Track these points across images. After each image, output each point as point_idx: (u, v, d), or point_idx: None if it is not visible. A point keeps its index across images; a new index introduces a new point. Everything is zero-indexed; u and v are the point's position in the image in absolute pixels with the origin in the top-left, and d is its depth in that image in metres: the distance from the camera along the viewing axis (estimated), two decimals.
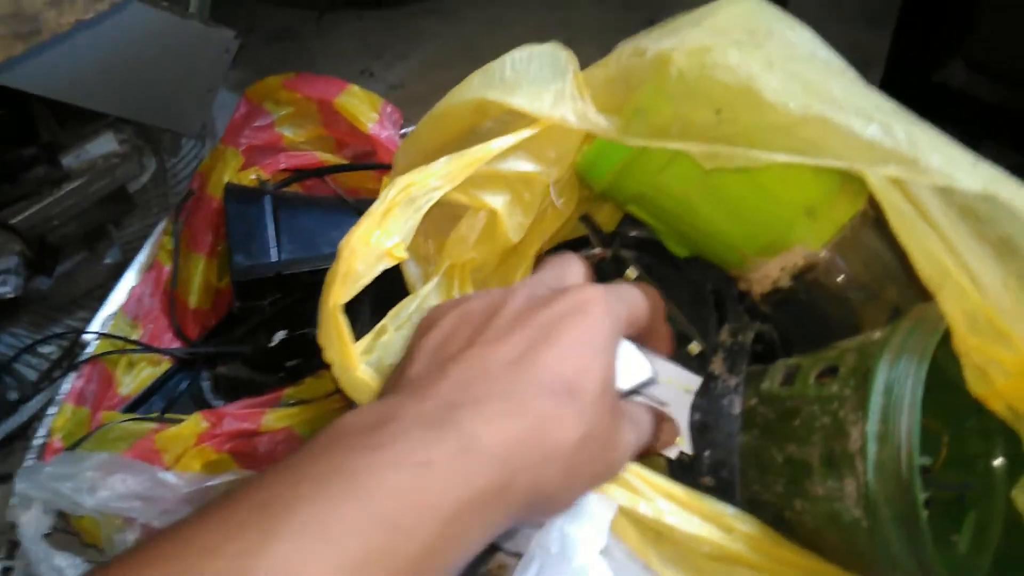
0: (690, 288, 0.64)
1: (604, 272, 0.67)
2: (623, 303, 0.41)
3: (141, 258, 0.80)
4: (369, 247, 0.52)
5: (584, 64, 1.13)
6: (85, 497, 0.57)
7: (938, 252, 0.46)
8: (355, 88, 0.78)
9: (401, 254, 0.53)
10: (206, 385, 0.74)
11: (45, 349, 0.87)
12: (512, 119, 0.57)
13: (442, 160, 0.53)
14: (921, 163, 0.42)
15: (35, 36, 0.47)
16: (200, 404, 0.72)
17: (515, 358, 0.36)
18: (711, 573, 0.48)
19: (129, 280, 0.79)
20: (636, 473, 0.48)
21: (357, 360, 0.50)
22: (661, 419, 0.46)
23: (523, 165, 0.58)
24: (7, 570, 0.60)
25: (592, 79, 0.55)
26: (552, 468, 0.35)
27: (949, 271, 0.45)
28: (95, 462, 0.59)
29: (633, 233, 0.65)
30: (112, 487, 0.57)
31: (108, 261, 0.88)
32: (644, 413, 0.44)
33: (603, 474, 0.41)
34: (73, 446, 0.63)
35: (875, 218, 0.57)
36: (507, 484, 0.33)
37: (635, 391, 0.45)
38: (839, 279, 0.58)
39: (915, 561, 0.42)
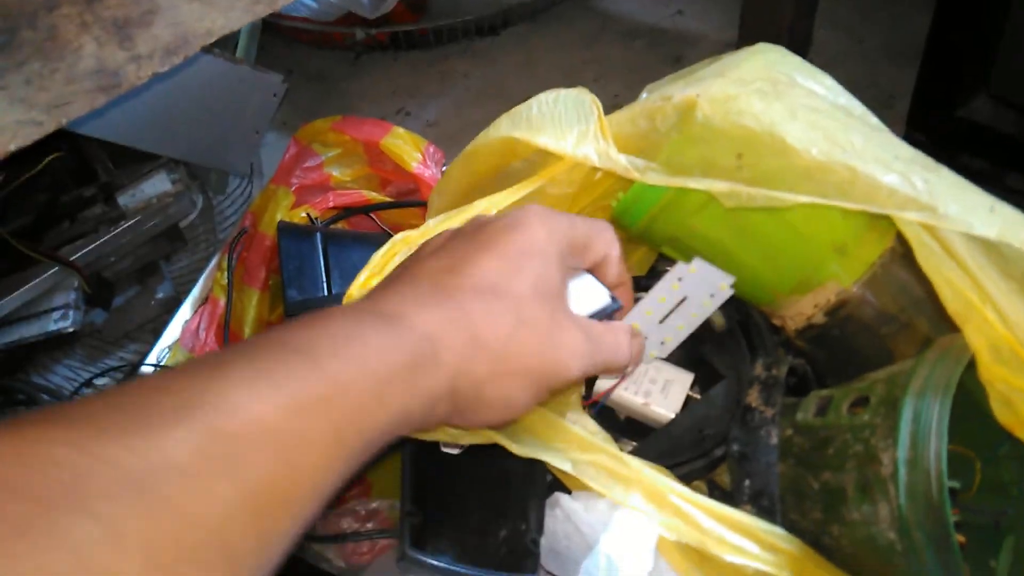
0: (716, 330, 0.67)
1: None
2: (566, 223, 0.45)
3: (195, 293, 0.84)
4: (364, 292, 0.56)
5: (612, 100, 1.17)
6: None
7: (963, 287, 0.49)
8: (399, 130, 0.82)
9: None
10: None
11: (100, 381, 0.91)
12: (539, 160, 0.61)
13: (439, 217, 0.57)
14: (939, 211, 0.45)
15: (116, 89, 0.51)
16: None
17: (449, 266, 0.40)
18: None
19: (184, 314, 0.82)
20: (682, 495, 0.51)
21: None
22: (626, 336, 0.48)
23: None
24: None
25: (617, 122, 0.59)
26: (479, 354, 0.38)
27: (974, 305, 0.48)
28: None
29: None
30: None
31: (160, 296, 0.93)
32: (605, 329, 0.46)
33: (542, 372, 0.41)
34: None
35: (903, 254, 0.60)
36: (434, 356, 0.36)
37: (597, 317, 0.47)
38: (871, 313, 0.61)
39: None
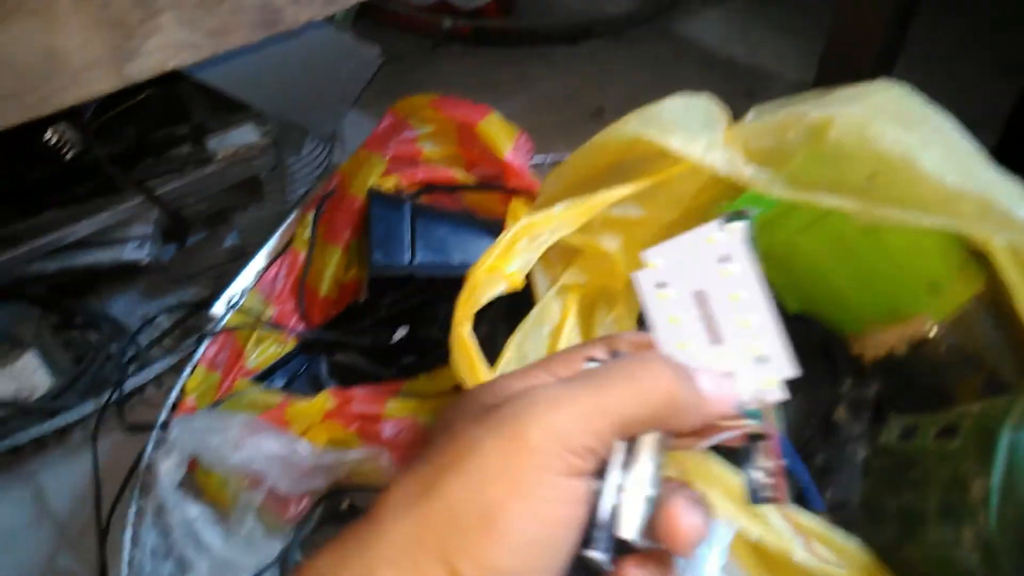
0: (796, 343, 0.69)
1: None
2: (596, 413, 0.29)
3: (271, 244, 0.85)
4: (491, 274, 0.58)
5: None
6: (230, 452, 0.61)
7: None
8: (495, 116, 0.83)
9: (518, 281, 0.59)
10: (323, 369, 0.78)
11: (160, 319, 0.92)
12: (648, 160, 0.62)
13: (563, 204, 0.59)
14: None
15: (275, 26, 0.53)
16: (317, 386, 0.76)
17: (419, 492, 0.28)
18: None
19: (257, 263, 0.84)
20: None
21: (484, 376, 0.56)
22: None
23: (634, 211, 0.64)
24: (140, 511, 0.64)
25: (743, 135, 0.61)
26: None
27: None
28: (239, 421, 0.63)
29: None
30: (255, 447, 0.62)
31: (227, 244, 0.94)
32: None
33: None
34: (211, 406, 0.67)
35: (991, 300, 0.62)
36: None
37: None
38: (951, 353, 0.63)
39: None
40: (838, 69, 1.11)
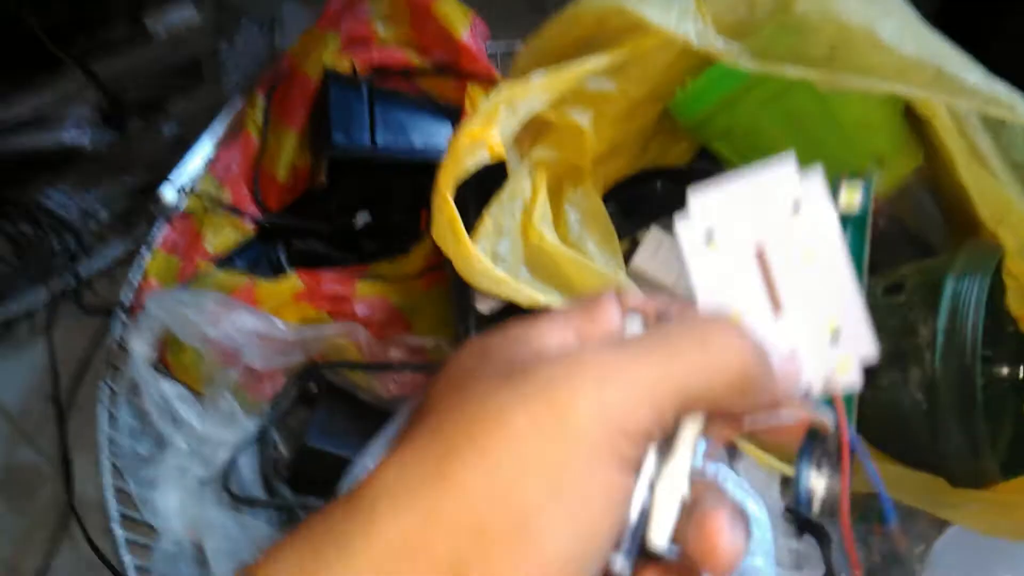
0: None
1: (659, 206, 0.75)
2: (662, 386, 0.22)
3: (216, 129, 0.82)
4: (474, 142, 0.58)
5: None
6: (207, 327, 0.61)
7: (1001, 190, 0.56)
8: None
9: (501, 151, 0.59)
10: (283, 256, 0.77)
11: (99, 211, 0.88)
12: (619, 34, 0.63)
13: (541, 73, 0.60)
14: (1018, 107, 0.51)
15: None
16: (278, 272, 0.76)
17: (424, 476, 0.21)
18: (790, 450, 0.57)
19: (203, 148, 0.81)
20: None
21: (468, 242, 0.57)
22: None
23: (606, 85, 0.65)
24: (114, 393, 0.63)
25: (713, 5, 0.62)
26: None
27: (1012, 206, 0.55)
28: (213, 298, 0.63)
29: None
30: (232, 322, 0.61)
31: (166, 133, 0.90)
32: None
33: None
34: (179, 287, 0.66)
35: (928, 175, 0.67)
36: None
37: None
38: (891, 224, 0.68)
39: (968, 441, 0.51)
40: None
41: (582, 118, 0.64)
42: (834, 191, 0.27)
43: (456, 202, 0.69)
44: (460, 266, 0.58)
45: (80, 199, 0.89)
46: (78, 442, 0.71)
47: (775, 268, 0.27)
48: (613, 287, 0.28)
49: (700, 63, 0.65)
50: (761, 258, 0.27)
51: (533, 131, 0.66)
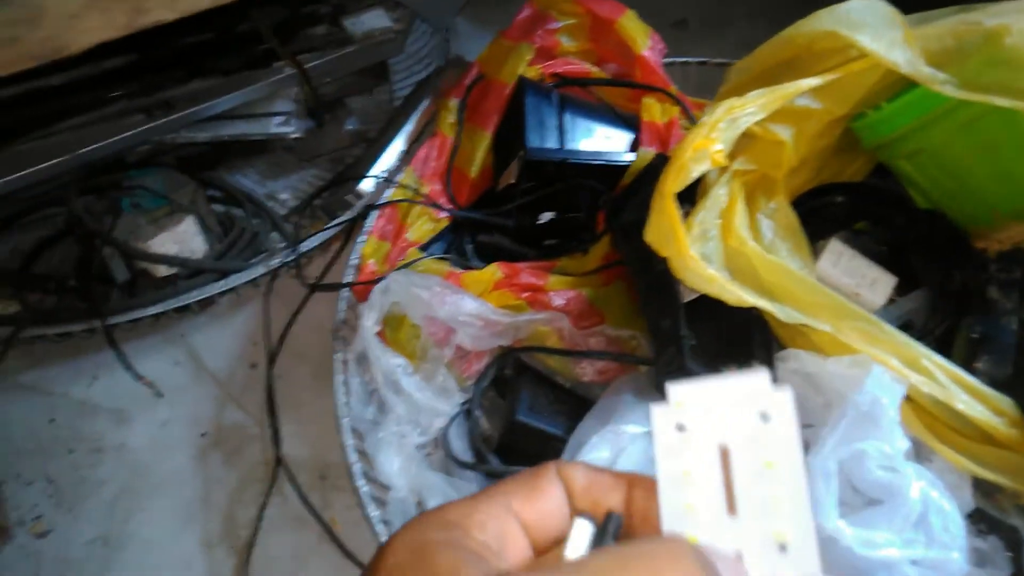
0: (920, 236, 0.76)
1: (837, 218, 0.79)
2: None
3: (408, 127, 0.89)
4: (699, 151, 0.63)
5: (762, 39, 1.25)
6: (437, 307, 0.66)
7: None
8: (632, 14, 0.87)
9: (722, 160, 0.64)
10: (469, 248, 0.83)
11: (283, 196, 0.95)
12: (824, 56, 0.68)
13: (759, 91, 0.64)
14: None
15: None
16: (465, 260, 0.81)
17: None
18: (980, 454, 0.60)
19: (397, 144, 0.87)
20: (931, 359, 0.60)
21: (687, 243, 0.62)
22: None
23: (812, 103, 0.70)
24: (345, 361, 0.69)
25: (922, 36, 0.66)
26: None
27: None
28: (439, 282, 0.68)
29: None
30: (456, 304, 0.67)
31: (348, 128, 0.96)
32: None
33: None
34: (401, 268, 0.71)
35: None
36: None
37: None
38: None
39: None
40: None
41: (785, 133, 0.69)
42: None
43: (633, 213, 0.74)
44: (676, 264, 0.62)
45: (268, 185, 0.96)
46: (280, 406, 0.77)
47: (736, 470, 0.28)
48: (554, 464, 0.29)
49: (894, 89, 0.69)
50: (725, 458, 0.28)
51: (735, 144, 0.71)
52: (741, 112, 0.64)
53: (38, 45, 0.42)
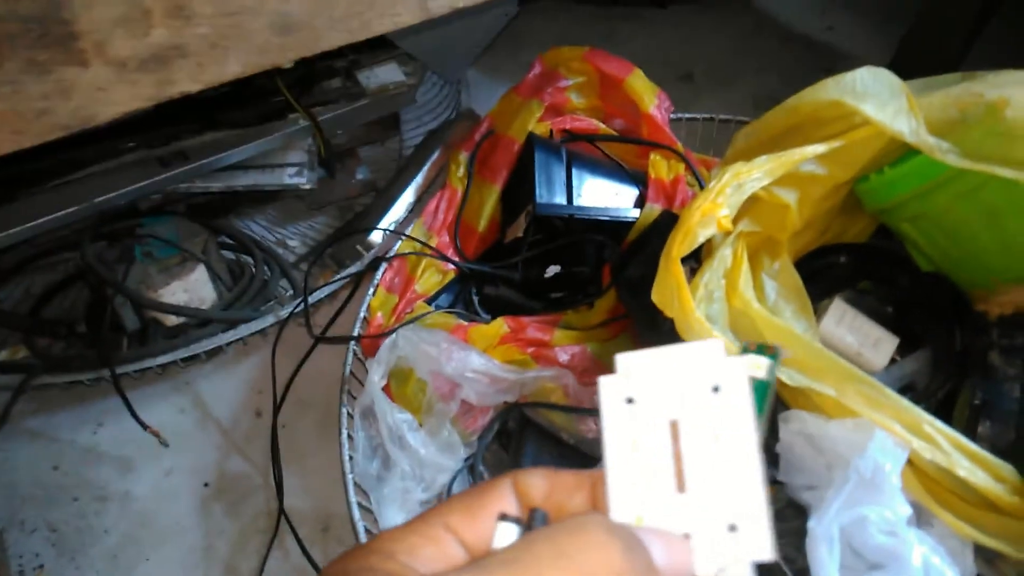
0: (923, 298, 0.77)
1: (840, 278, 0.80)
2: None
3: (418, 179, 0.90)
4: (705, 216, 0.64)
5: (772, 92, 1.26)
6: (444, 364, 0.67)
7: None
8: (640, 72, 0.89)
9: (728, 225, 0.65)
10: (476, 299, 0.84)
11: (292, 243, 0.96)
12: (829, 123, 0.69)
13: (765, 157, 0.66)
14: None
15: None
16: (471, 313, 0.82)
17: None
18: (982, 520, 0.60)
19: (407, 197, 0.89)
20: (933, 425, 0.61)
21: (693, 306, 0.62)
22: None
23: (817, 169, 0.71)
24: (350, 415, 0.69)
25: (926, 107, 0.67)
26: None
27: None
28: (443, 337, 0.69)
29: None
30: (462, 360, 0.67)
31: (359, 177, 0.98)
32: None
33: None
34: (407, 323, 0.72)
35: None
36: None
37: None
38: None
39: None
40: (920, 54, 1.19)
41: (790, 197, 0.70)
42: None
43: (639, 269, 0.75)
44: (681, 326, 0.63)
45: (278, 232, 0.97)
46: (283, 457, 0.77)
47: (685, 445, 0.26)
48: (510, 476, 0.27)
49: (897, 153, 0.70)
50: (674, 431, 0.26)
51: (740, 206, 0.72)
52: (747, 178, 0.65)
53: (68, 116, 0.43)
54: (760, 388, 0.29)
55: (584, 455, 0.70)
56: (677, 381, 0.27)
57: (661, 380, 0.27)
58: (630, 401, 0.27)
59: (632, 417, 0.27)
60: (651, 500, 0.26)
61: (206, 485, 0.78)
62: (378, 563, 0.24)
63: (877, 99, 0.66)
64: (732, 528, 0.25)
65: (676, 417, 0.26)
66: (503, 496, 0.26)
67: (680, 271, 0.64)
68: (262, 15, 0.48)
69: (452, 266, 0.82)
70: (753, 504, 0.25)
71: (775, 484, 0.69)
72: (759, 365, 0.29)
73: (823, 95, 0.67)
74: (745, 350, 0.29)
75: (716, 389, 0.26)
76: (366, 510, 0.64)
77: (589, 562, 0.21)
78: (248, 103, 0.85)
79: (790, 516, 0.71)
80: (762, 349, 0.29)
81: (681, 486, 0.26)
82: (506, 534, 0.25)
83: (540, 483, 0.27)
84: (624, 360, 0.27)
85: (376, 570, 0.23)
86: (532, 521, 0.25)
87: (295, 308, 0.80)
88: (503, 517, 0.25)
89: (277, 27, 0.49)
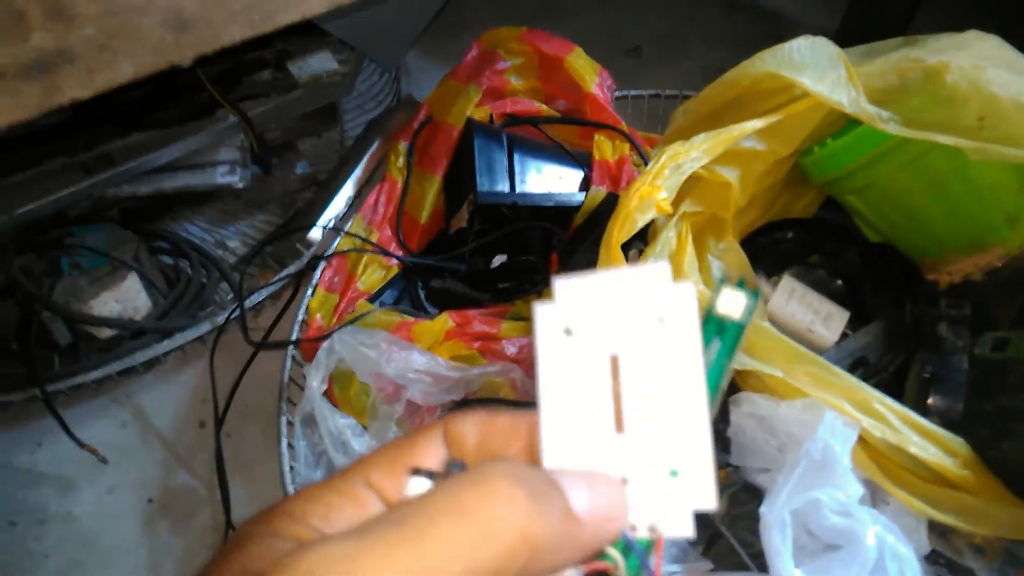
0: (872, 270, 0.76)
1: (789, 253, 0.79)
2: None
3: (357, 172, 0.87)
4: (644, 200, 0.62)
5: (718, 63, 1.25)
6: (385, 365, 0.65)
7: None
8: (581, 51, 0.86)
9: (667, 208, 0.64)
10: (422, 294, 0.81)
11: (232, 243, 0.93)
12: (768, 96, 0.67)
13: (702, 136, 0.64)
14: None
15: None
16: (417, 308, 0.80)
17: None
18: (934, 496, 0.59)
19: (347, 190, 0.86)
20: (883, 403, 0.60)
21: None
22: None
23: (757, 145, 0.69)
24: (290, 423, 0.67)
25: (866, 75, 0.66)
26: None
27: None
28: (384, 338, 0.66)
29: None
30: (404, 361, 0.65)
31: (299, 172, 0.94)
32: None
33: None
34: (348, 324, 0.70)
35: None
36: None
37: None
38: (1012, 279, 0.70)
39: None
40: (867, 16, 1.17)
41: (731, 175, 0.68)
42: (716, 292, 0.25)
43: (586, 254, 0.73)
44: None
45: (217, 233, 0.94)
46: (230, 467, 0.75)
47: (626, 381, 0.23)
48: (440, 423, 0.24)
49: (840, 124, 0.69)
50: (615, 366, 0.24)
51: (680, 187, 0.70)
52: (685, 158, 0.63)
53: None
54: (733, 331, 0.26)
55: None
56: (620, 310, 0.24)
57: (602, 309, 0.24)
58: (568, 332, 0.24)
59: (569, 350, 0.24)
60: (587, 442, 0.23)
61: (150, 501, 0.76)
62: (284, 527, 0.22)
63: (815, 70, 0.64)
64: (673, 474, 0.23)
65: (617, 351, 0.23)
66: (431, 446, 0.24)
67: (621, 258, 0.62)
68: (152, 13, 0.45)
69: (395, 261, 0.80)
70: (697, 449, 0.23)
71: (729, 467, 0.68)
72: (734, 302, 0.25)
73: (760, 68, 0.65)
74: (722, 282, 0.25)
75: (661, 320, 0.23)
76: None
77: (489, 517, 0.19)
78: (174, 101, 0.82)
79: (745, 499, 0.70)
80: (741, 284, 0.25)
81: (620, 427, 0.23)
82: (418, 491, 0.22)
83: (472, 431, 0.24)
84: (563, 286, 0.24)
85: (280, 535, 0.21)
86: (449, 475, 0.22)
87: (231, 314, 0.77)
88: (415, 472, 0.23)
89: (171, 24, 0.46)
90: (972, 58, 0.63)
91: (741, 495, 0.71)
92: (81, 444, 0.73)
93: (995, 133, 0.60)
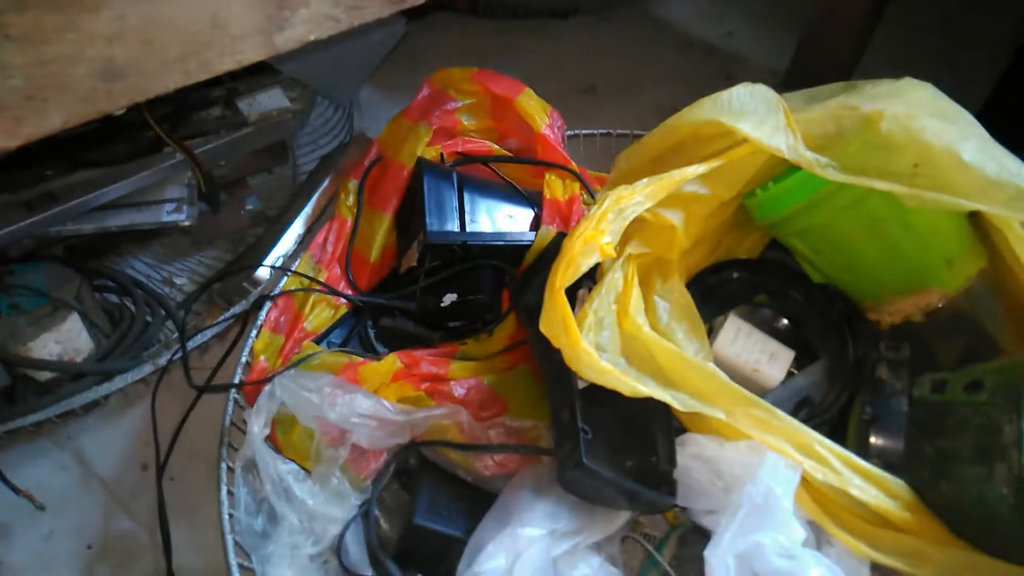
0: (815, 311, 0.77)
1: (735, 293, 0.79)
2: None
3: (307, 210, 0.87)
4: (587, 244, 0.63)
5: (672, 101, 1.27)
6: (328, 409, 0.64)
7: None
8: (531, 92, 0.87)
9: (611, 252, 0.64)
10: (372, 333, 0.81)
11: (179, 280, 0.92)
12: (710, 141, 0.68)
13: (645, 180, 0.65)
14: None
15: (401, 4, 0.56)
16: (367, 348, 0.79)
17: None
18: (876, 538, 0.60)
19: (296, 228, 0.85)
20: (824, 445, 0.60)
21: (580, 336, 0.61)
22: None
23: (700, 189, 0.71)
24: (230, 469, 0.65)
25: (803, 121, 0.67)
26: None
27: None
28: (328, 381, 0.66)
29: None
30: (348, 405, 0.65)
31: (249, 208, 0.94)
32: None
33: None
34: (292, 366, 0.69)
35: (992, 276, 0.72)
36: None
37: None
38: (957, 320, 0.72)
39: None
40: (816, 56, 1.20)
41: (675, 217, 0.69)
42: None
43: (533, 296, 0.73)
44: (569, 357, 0.62)
45: (164, 270, 0.92)
46: (173, 512, 0.73)
47: None
48: None
49: (781, 168, 0.70)
50: None
51: (626, 229, 0.71)
52: (628, 202, 0.64)
53: None
54: None
55: (482, 492, 0.68)
56: None
57: None
58: None
59: None
60: None
61: (89, 547, 0.74)
62: None
63: (754, 116, 0.65)
64: None
65: None
66: None
67: (564, 302, 0.62)
68: (82, 63, 0.45)
69: (344, 300, 0.79)
70: None
71: (677, 508, 0.68)
72: None
73: (700, 115, 0.66)
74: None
75: None
76: (249, 571, 0.61)
77: None
78: (119, 138, 0.81)
79: (693, 541, 0.70)
80: None
81: None
82: None
83: None
84: None
85: None
86: None
87: (173, 355, 0.76)
88: None
89: (101, 74, 0.45)
90: (906, 106, 0.65)
91: (689, 536, 0.71)
92: (16, 490, 0.71)
93: (929, 180, 0.62)
